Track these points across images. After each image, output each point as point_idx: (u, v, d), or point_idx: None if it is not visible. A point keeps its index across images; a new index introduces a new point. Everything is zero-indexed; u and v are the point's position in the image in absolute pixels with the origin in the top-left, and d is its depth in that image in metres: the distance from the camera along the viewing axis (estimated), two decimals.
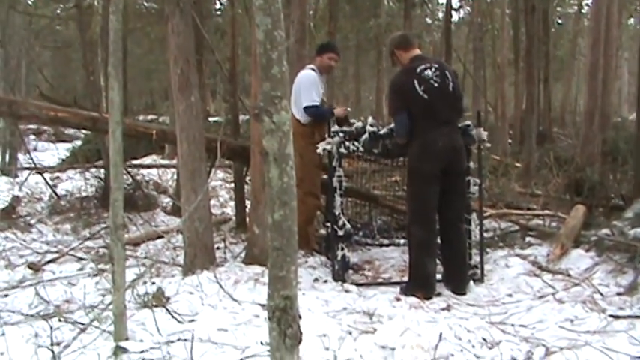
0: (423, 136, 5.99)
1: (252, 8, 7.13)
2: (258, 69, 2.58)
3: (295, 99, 7.20)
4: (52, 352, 4.14)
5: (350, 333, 4.73)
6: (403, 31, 6.71)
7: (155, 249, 7.66)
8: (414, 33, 6.04)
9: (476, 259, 6.57)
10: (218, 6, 22.75)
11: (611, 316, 5.07)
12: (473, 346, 4.52)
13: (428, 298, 5.80)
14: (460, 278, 6.15)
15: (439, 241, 6.27)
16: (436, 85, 5.96)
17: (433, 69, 6.00)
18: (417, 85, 5.93)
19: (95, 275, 6.37)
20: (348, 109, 7.45)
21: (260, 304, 5.28)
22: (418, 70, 6.00)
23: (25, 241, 8.08)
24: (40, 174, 12.05)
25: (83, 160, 14.29)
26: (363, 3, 25.12)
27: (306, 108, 7.12)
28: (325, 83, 7.64)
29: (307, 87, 7.17)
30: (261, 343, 4.42)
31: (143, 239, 8.07)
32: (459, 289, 6.05)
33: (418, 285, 5.95)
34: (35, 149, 18.99)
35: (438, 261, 6.28)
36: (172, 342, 4.45)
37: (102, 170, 10.70)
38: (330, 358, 4.28)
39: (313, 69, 7.34)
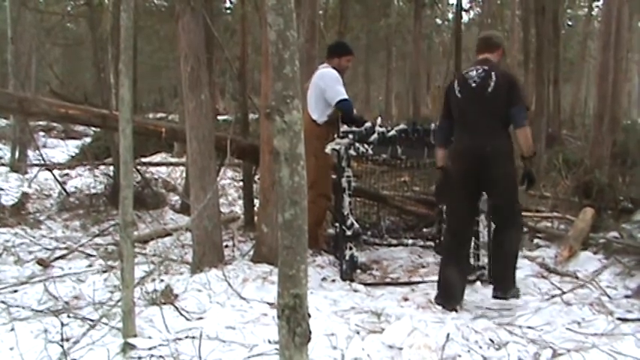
0: (455, 138, 5.78)
1: (262, 7, 7.13)
2: (269, 68, 2.60)
3: (316, 99, 7.20)
4: (62, 347, 4.16)
5: (358, 332, 4.74)
6: (486, 33, 6.24)
7: (164, 247, 7.68)
8: (490, 37, 5.57)
9: (484, 260, 6.56)
10: (228, 4, 22.76)
11: (619, 319, 5.07)
12: (480, 347, 4.53)
13: (452, 310, 5.51)
14: (495, 286, 5.68)
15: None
16: (473, 85, 5.61)
17: (480, 70, 5.65)
18: (455, 85, 5.74)
19: (104, 272, 6.38)
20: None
21: (268, 303, 5.30)
22: (466, 70, 5.81)
23: (34, 237, 8.10)
24: (50, 170, 12.08)
25: (92, 157, 14.30)
26: (374, 3, 25.10)
27: (340, 102, 7.02)
28: None
29: (335, 84, 7.13)
30: (269, 342, 4.44)
31: (152, 237, 8.08)
32: (494, 292, 5.64)
33: (439, 294, 5.68)
34: (44, 146, 18.97)
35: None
36: (180, 339, 4.47)
37: (111, 167, 10.73)
38: (337, 357, 4.29)
39: (334, 68, 7.33)
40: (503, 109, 5.54)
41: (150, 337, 4.45)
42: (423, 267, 7.19)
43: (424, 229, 8.50)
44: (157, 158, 16.21)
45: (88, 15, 12.36)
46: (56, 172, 12.22)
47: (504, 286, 5.59)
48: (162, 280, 5.87)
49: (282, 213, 2.56)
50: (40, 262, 6.83)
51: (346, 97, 7.10)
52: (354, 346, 4.42)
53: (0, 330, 4.60)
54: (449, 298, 5.61)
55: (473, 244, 6.59)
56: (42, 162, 13.18)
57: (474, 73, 5.66)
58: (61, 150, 18.02)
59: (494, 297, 5.61)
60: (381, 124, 6.67)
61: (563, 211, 8.50)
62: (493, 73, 5.57)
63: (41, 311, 5.09)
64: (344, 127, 6.55)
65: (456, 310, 5.48)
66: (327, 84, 7.13)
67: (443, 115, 5.91)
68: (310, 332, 2.62)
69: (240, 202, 10.23)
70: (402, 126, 6.69)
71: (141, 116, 14.96)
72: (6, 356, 4.19)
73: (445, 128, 5.88)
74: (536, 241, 7.88)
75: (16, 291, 5.76)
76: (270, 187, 6.44)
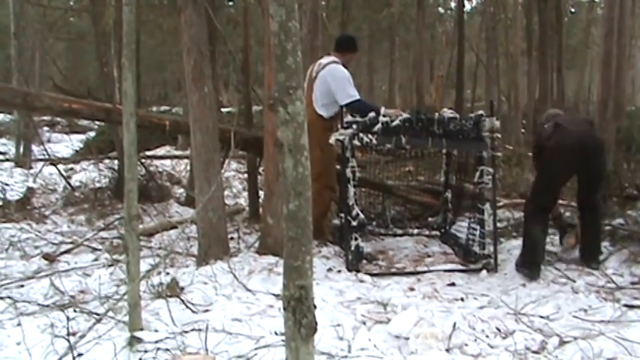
0: (562, 134, 6.54)
1: None
2: (272, 59, 2.58)
3: (324, 96, 7.13)
4: (68, 342, 4.16)
5: (364, 323, 4.75)
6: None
7: (169, 240, 7.68)
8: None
9: (489, 248, 6.57)
10: None
11: (625, 305, 5.07)
12: (487, 336, 4.53)
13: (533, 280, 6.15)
14: (586, 259, 6.49)
15: None
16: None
17: None
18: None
19: (110, 266, 6.38)
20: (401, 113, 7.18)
21: (274, 295, 5.31)
22: None
23: (39, 232, 8.10)
24: (54, 165, 12.10)
25: (97, 151, 14.32)
26: None
27: (349, 104, 6.88)
28: None
29: (345, 83, 7.02)
30: (276, 333, 4.44)
31: (157, 230, 8.08)
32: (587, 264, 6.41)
33: (525, 263, 6.39)
34: (49, 140, 18.95)
35: None
36: (187, 332, 4.47)
37: (115, 161, 10.73)
38: (344, 348, 4.29)
39: (338, 62, 7.28)
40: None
41: (156, 330, 4.45)
42: (429, 256, 7.19)
43: (429, 219, 8.51)
44: (161, 151, 16.23)
45: (91, 9, 12.35)
46: (61, 166, 12.26)
47: (596, 257, 6.44)
48: (167, 273, 5.88)
49: (287, 204, 2.55)
50: (46, 256, 6.84)
51: (357, 97, 6.99)
52: (360, 337, 4.43)
53: (7, 325, 4.61)
54: (534, 264, 6.29)
55: (478, 232, 6.62)
56: (46, 157, 13.19)
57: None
58: (65, 144, 18.05)
59: (590, 267, 6.32)
60: (385, 113, 6.64)
61: (568, 199, 8.46)
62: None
63: (47, 306, 5.09)
64: (348, 118, 6.53)
65: (463, 300, 5.48)
66: (339, 84, 7.01)
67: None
68: (316, 323, 2.62)
69: (245, 194, 10.25)
70: (406, 115, 6.66)
71: (145, 109, 14.99)
72: (13, 351, 4.20)
73: None
74: None
75: (22, 286, 5.76)
76: (275, 178, 6.44)
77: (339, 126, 6.58)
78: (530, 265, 6.23)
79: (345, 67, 7.24)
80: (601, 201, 6.86)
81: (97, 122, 14.10)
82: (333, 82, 7.04)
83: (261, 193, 8.08)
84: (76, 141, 18.18)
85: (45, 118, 21.95)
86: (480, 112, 6.75)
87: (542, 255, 6.39)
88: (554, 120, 6.53)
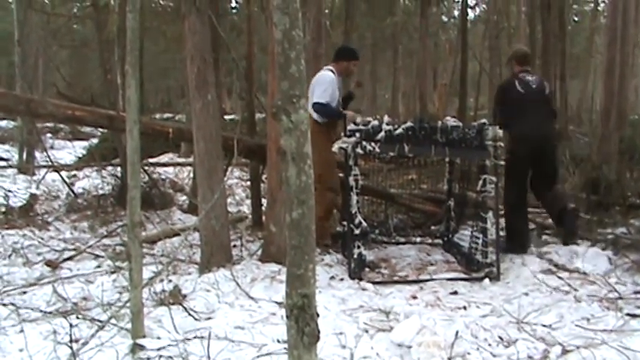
0: (519, 125, 7.22)
1: (268, 6, 7.14)
2: (276, 67, 2.58)
3: (310, 100, 7.22)
4: (71, 348, 4.17)
5: (366, 331, 4.75)
6: (524, 49, 8.24)
7: (172, 247, 7.66)
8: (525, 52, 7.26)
9: (492, 257, 6.55)
10: (234, 4, 22.77)
11: (628, 314, 5.06)
12: (489, 345, 4.52)
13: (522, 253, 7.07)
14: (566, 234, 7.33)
15: None
16: (534, 86, 7.29)
17: (535, 77, 7.48)
18: (517, 84, 7.29)
19: (112, 273, 6.38)
20: (358, 116, 7.39)
21: (276, 302, 5.31)
22: (521, 75, 7.38)
23: (42, 238, 8.10)
24: (57, 172, 12.08)
25: (100, 158, 14.30)
26: (379, 1, 25.05)
27: (313, 104, 7.12)
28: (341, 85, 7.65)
29: (321, 86, 7.22)
30: (278, 341, 4.44)
31: (160, 237, 8.06)
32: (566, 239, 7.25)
33: (513, 246, 7.19)
34: (52, 147, 19.00)
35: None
36: (189, 339, 4.47)
37: (118, 168, 10.72)
38: (346, 356, 4.29)
39: (332, 70, 7.38)
40: (553, 106, 7.62)
41: (159, 338, 4.45)
42: (432, 265, 7.19)
43: (432, 227, 8.50)
44: (164, 159, 16.22)
45: (94, 16, 12.37)
46: (64, 173, 12.22)
47: (572, 230, 7.27)
48: (170, 281, 5.88)
49: (290, 212, 2.56)
50: (49, 263, 6.84)
51: (323, 101, 7.20)
52: (362, 345, 4.42)
53: (9, 331, 4.62)
54: (522, 245, 7.20)
55: (481, 241, 6.61)
56: (49, 163, 13.18)
57: (531, 78, 7.38)
58: (68, 151, 18.04)
59: (566, 242, 7.18)
60: (388, 121, 6.65)
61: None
62: (544, 81, 7.55)
63: (50, 312, 5.10)
64: (351, 126, 6.55)
65: (465, 308, 5.48)
66: (316, 86, 7.25)
67: (501, 110, 7.44)
68: (319, 331, 2.62)
69: (248, 201, 10.23)
70: (409, 124, 6.67)
71: (148, 117, 15.00)
72: (16, 357, 4.20)
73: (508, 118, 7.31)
74: (544, 237, 7.86)
75: (25, 292, 5.77)
76: (278, 186, 6.45)
77: (338, 132, 6.61)
78: (518, 249, 7.17)
79: (339, 75, 7.49)
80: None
81: (101, 129, 14.04)
82: (314, 85, 7.21)
83: (264, 201, 8.09)
84: (79, 148, 18.18)
85: (48, 124, 21.97)
86: (483, 120, 6.77)
87: (527, 238, 7.39)
88: (517, 103, 7.26)
